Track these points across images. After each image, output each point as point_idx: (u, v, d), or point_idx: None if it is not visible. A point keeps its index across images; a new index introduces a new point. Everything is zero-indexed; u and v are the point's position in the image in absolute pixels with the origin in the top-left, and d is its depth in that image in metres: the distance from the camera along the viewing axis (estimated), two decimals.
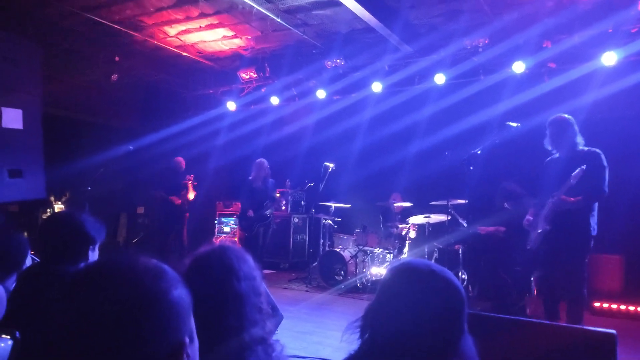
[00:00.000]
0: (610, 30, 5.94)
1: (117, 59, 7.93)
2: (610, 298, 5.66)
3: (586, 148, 4.08)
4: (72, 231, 2.09)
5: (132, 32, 7.44)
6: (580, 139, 4.08)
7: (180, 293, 0.81)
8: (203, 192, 8.52)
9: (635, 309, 5.44)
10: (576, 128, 4.10)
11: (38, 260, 2.31)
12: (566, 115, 4.12)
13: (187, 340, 0.81)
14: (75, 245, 2.08)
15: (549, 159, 4.28)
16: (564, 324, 3.34)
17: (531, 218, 4.20)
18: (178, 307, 0.79)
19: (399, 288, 1.23)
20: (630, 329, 5.02)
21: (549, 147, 4.18)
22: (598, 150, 4.01)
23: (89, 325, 0.72)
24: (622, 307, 5.50)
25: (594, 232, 3.91)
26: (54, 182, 7.72)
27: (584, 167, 3.73)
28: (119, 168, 8.00)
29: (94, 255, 2.18)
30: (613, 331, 2.12)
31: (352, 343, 1.25)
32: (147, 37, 7.60)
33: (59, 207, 8.44)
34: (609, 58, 5.91)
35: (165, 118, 9.02)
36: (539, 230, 4.04)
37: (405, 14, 6.55)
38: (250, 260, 1.43)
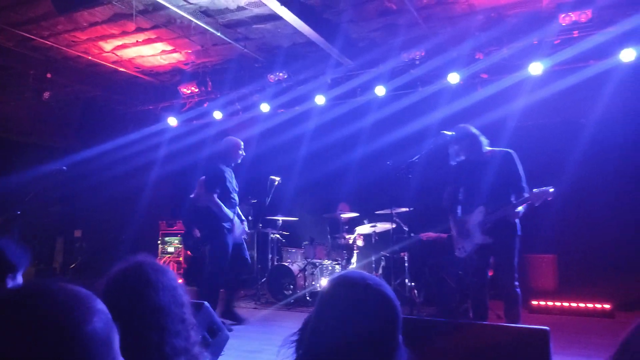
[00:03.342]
0: (535, 42, 6.32)
1: (48, 75, 7.58)
2: (546, 296, 5.95)
3: (496, 148, 4.23)
4: None
5: (64, 48, 7.16)
6: (485, 140, 4.22)
7: (97, 324, 0.76)
8: (144, 211, 8.25)
9: (569, 305, 5.75)
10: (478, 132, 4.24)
11: None
12: (469, 127, 4.25)
13: None
14: None
15: (455, 162, 4.35)
16: (499, 324, 3.46)
17: (456, 231, 4.29)
18: (94, 339, 0.74)
19: (333, 301, 1.23)
20: (565, 324, 5.28)
21: (459, 158, 4.28)
22: (510, 150, 4.17)
23: None
24: (558, 303, 5.80)
25: (520, 232, 4.08)
26: None
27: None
28: (54, 190, 7.62)
29: (15, 283, 2.05)
30: (546, 327, 2.22)
31: (289, 358, 1.24)
32: (81, 52, 7.32)
33: None
34: (536, 68, 6.27)
35: (103, 136, 8.69)
36: (477, 242, 4.10)
37: (345, 28, 6.68)
38: (169, 272, 1.43)
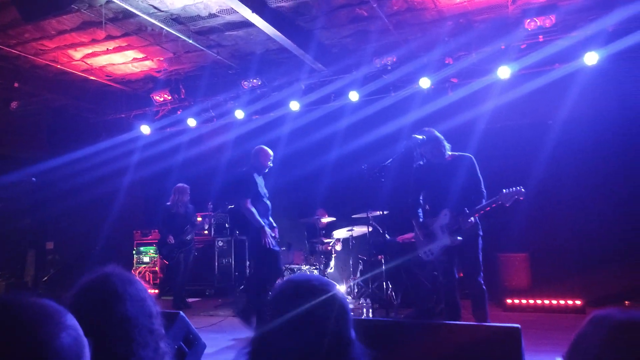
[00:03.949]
0: (503, 47, 6.48)
1: (16, 85, 7.41)
2: (520, 294, 6.08)
3: (456, 153, 4.34)
4: None
5: (32, 57, 7.01)
6: (448, 145, 4.31)
7: (65, 340, 0.76)
8: (119, 221, 8.09)
9: (542, 302, 5.89)
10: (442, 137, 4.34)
11: None
12: (434, 131, 4.34)
13: None
14: None
15: (416, 166, 4.42)
16: (472, 323, 3.53)
17: (421, 234, 4.32)
18: (62, 355, 0.74)
19: (281, 307, 1.22)
20: (538, 321, 5.41)
21: (422, 162, 4.37)
22: (470, 155, 4.29)
23: None
24: (531, 301, 5.94)
25: (481, 232, 4.17)
26: None
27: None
28: (23, 201, 7.45)
29: None
30: (517, 325, 2.28)
31: None
32: (50, 61, 7.19)
33: None
34: (503, 72, 6.43)
35: (74, 145, 8.52)
36: (445, 244, 4.14)
37: (317, 35, 6.73)
38: (138, 282, 1.41)
